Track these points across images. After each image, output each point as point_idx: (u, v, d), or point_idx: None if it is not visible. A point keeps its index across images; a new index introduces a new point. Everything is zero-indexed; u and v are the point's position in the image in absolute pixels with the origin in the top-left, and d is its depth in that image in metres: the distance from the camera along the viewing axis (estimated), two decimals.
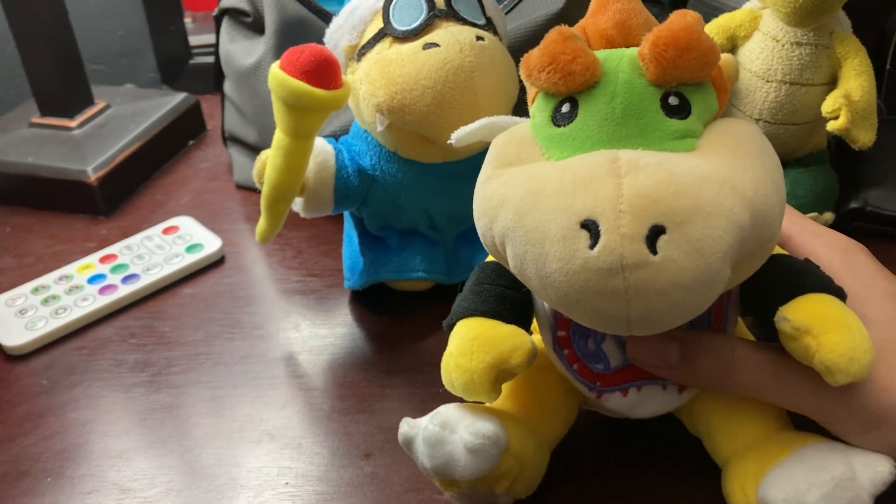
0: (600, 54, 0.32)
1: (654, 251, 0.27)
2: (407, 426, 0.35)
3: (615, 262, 0.27)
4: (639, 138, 0.30)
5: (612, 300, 0.28)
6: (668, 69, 0.31)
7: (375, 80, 0.43)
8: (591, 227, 0.28)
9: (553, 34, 0.32)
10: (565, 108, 0.32)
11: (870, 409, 0.32)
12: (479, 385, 0.33)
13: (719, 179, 0.28)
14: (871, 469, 0.32)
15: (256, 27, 0.61)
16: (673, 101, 0.31)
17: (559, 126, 0.32)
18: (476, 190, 0.33)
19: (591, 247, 0.27)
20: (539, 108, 0.34)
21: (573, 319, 0.31)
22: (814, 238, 0.38)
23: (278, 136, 0.42)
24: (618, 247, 0.27)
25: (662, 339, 0.35)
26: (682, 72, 0.31)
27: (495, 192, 0.31)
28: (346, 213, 0.53)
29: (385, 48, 0.44)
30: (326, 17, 0.58)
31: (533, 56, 0.33)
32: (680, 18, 0.31)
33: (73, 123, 0.68)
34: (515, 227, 0.30)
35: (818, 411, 0.34)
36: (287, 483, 0.40)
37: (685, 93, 0.31)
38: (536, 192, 0.29)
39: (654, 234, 0.27)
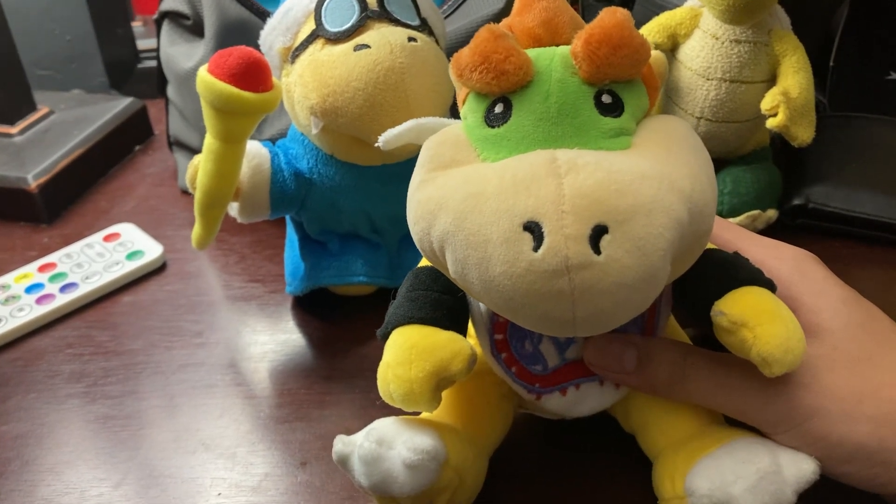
0: (530, 53, 0.32)
1: (597, 251, 0.27)
2: (341, 444, 0.34)
3: (560, 263, 0.27)
4: (574, 137, 0.30)
5: (557, 302, 0.27)
6: (602, 67, 0.30)
7: (308, 82, 0.43)
8: (534, 229, 0.27)
9: (483, 33, 0.31)
10: (498, 108, 0.31)
11: (814, 421, 0.33)
12: (419, 395, 0.32)
13: (657, 176, 0.28)
14: (796, 466, 0.32)
15: (196, 30, 0.60)
16: (606, 99, 0.31)
17: (493, 127, 0.31)
18: (410, 194, 0.32)
19: (535, 249, 0.27)
20: (471, 108, 0.33)
21: (517, 323, 0.31)
22: (762, 249, 0.38)
23: (209, 141, 0.41)
24: (562, 248, 0.27)
25: (619, 344, 0.35)
26: (614, 69, 0.30)
27: (432, 195, 0.30)
28: (288, 218, 0.52)
29: (317, 50, 0.43)
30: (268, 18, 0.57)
31: (464, 55, 0.32)
32: (610, 16, 0.30)
33: (13, 130, 0.66)
34: (455, 230, 0.29)
35: (763, 421, 0.34)
36: (220, 494, 0.39)
37: (617, 91, 0.31)
38: (476, 194, 0.29)
39: (597, 233, 0.27)
